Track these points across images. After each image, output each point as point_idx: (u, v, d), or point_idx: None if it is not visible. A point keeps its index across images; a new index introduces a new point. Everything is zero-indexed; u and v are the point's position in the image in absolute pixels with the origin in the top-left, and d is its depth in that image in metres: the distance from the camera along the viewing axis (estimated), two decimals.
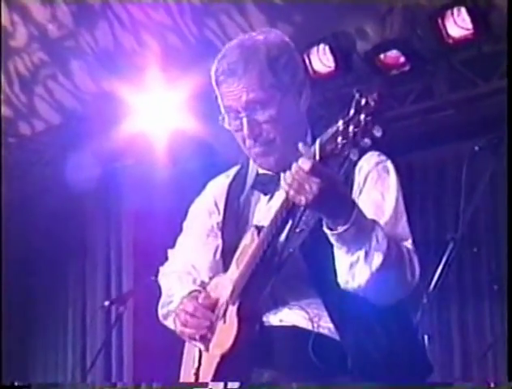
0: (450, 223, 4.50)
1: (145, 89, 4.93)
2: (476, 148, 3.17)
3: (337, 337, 1.84)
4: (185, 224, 2.19)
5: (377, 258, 1.73)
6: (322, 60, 4.58)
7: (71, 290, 5.99)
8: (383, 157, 1.89)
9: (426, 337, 3.51)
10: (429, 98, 4.67)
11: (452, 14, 4.21)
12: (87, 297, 5.91)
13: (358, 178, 1.88)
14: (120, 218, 5.78)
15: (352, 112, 1.55)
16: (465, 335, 4.61)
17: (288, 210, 1.74)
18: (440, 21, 4.23)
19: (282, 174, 1.72)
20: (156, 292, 2.17)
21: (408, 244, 1.84)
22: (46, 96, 5.42)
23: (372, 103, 1.53)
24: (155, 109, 5.05)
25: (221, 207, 2.08)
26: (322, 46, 4.55)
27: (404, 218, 1.87)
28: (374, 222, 1.78)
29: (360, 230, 1.72)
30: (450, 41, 4.28)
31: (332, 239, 1.74)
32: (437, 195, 4.79)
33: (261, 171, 2.01)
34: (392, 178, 1.89)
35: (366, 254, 1.73)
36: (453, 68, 4.57)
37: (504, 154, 3.74)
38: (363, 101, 1.54)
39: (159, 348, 5.26)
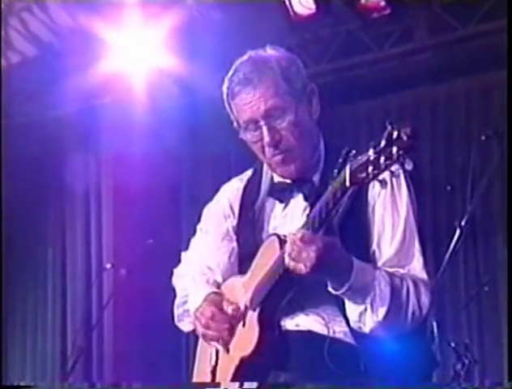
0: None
1: (123, 26, 4.86)
2: (483, 138, 3.22)
3: (352, 341, 1.91)
4: (199, 227, 2.24)
5: (382, 307, 1.82)
6: (302, 2, 4.55)
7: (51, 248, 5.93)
8: (398, 168, 1.84)
9: (435, 324, 3.55)
10: (408, 41, 4.68)
11: None
12: (67, 245, 5.85)
13: (372, 192, 1.91)
14: (98, 157, 5.76)
15: (383, 143, 1.57)
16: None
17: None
18: None
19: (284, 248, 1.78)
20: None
21: (417, 270, 1.89)
22: (21, 28, 5.33)
23: (404, 137, 1.55)
24: (134, 46, 4.99)
25: (236, 210, 2.12)
26: None
27: (415, 236, 1.91)
28: (375, 269, 1.85)
29: (362, 285, 1.81)
30: None
31: (338, 294, 1.83)
32: None
33: (276, 179, 2.05)
34: (404, 194, 1.93)
35: (371, 304, 1.82)
36: (433, 12, 4.57)
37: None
38: (395, 134, 1.56)
39: (139, 348, 5.36)
